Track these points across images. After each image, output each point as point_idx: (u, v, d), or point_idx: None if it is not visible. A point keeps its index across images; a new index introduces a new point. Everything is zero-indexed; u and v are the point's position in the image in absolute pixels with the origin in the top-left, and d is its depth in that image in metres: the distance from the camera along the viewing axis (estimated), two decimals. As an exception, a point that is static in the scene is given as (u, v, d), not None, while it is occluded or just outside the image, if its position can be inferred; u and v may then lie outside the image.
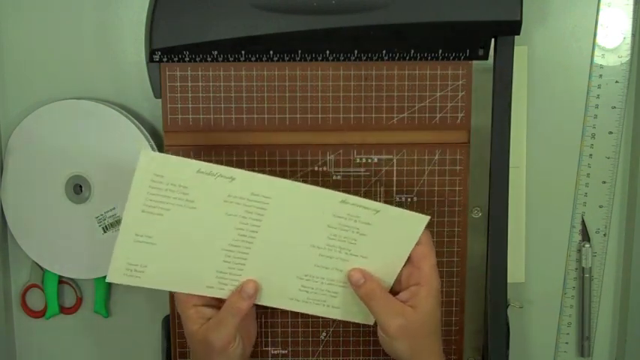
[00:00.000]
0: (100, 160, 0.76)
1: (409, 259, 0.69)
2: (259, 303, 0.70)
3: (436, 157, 0.75)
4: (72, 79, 0.79)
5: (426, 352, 0.70)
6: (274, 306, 0.71)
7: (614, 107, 0.80)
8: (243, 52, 0.72)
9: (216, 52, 0.72)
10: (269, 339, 0.78)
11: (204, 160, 0.74)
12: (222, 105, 0.74)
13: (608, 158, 0.81)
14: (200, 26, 0.70)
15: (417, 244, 0.69)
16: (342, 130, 0.75)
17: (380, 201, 0.75)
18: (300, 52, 0.72)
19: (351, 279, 0.69)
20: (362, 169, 0.75)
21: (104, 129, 0.76)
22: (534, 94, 0.80)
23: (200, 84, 0.74)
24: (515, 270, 0.82)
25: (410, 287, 0.69)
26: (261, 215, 0.66)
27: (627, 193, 0.82)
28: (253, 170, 0.74)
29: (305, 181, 0.75)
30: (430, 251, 0.69)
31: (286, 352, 0.78)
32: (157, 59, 0.72)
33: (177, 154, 0.74)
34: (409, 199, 0.76)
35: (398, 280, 0.70)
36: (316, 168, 0.75)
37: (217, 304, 0.70)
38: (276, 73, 0.74)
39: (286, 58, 0.73)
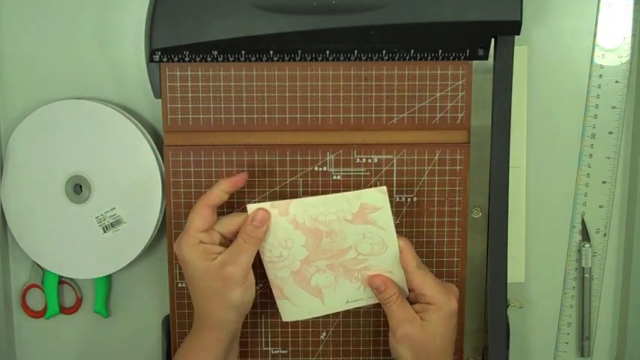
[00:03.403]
0: (100, 160, 0.76)
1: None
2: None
3: (436, 157, 0.75)
4: (72, 79, 0.79)
5: None
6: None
7: (614, 107, 0.80)
8: (243, 52, 0.72)
9: (216, 52, 0.72)
10: (269, 339, 0.78)
11: (204, 160, 0.75)
12: (222, 105, 0.74)
13: (608, 158, 0.81)
14: (200, 26, 0.70)
15: (406, 273, 0.70)
16: (342, 130, 0.75)
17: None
18: (300, 52, 0.72)
19: (372, 284, 0.71)
20: (362, 169, 0.75)
21: (104, 129, 0.76)
22: (534, 94, 0.80)
23: (200, 84, 0.74)
24: (515, 270, 0.82)
25: (422, 303, 0.71)
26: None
27: (627, 193, 0.82)
28: (253, 170, 0.75)
29: (305, 182, 0.75)
30: (423, 277, 0.70)
31: (286, 352, 0.78)
32: (157, 59, 0.72)
33: (177, 153, 0.75)
34: (409, 199, 0.76)
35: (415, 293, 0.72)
36: (316, 168, 0.75)
37: (224, 242, 0.70)
38: (276, 73, 0.74)
39: (286, 58, 0.73)
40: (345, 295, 0.73)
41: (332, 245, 0.71)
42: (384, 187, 0.69)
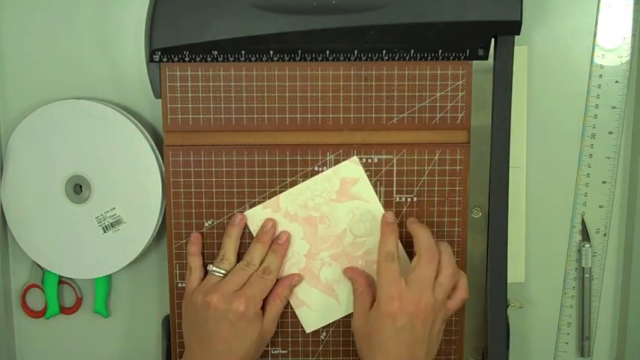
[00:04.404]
0: (100, 160, 0.76)
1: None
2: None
3: (436, 157, 0.75)
4: (72, 79, 0.79)
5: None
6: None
7: (614, 107, 0.80)
8: (243, 52, 0.72)
9: (216, 52, 0.72)
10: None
11: (204, 160, 0.75)
12: (222, 105, 0.74)
13: (608, 158, 0.81)
14: (200, 26, 0.70)
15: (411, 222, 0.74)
16: (342, 130, 0.75)
17: (380, 201, 0.75)
18: (300, 52, 0.72)
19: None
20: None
21: (104, 129, 0.76)
22: (534, 94, 0.80)
23: (200, 84, 0.74)
24: (515, 270, 0.82)
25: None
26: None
27: (627, 193, 0.82)
28: (253, 170, 0.75)
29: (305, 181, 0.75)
30: (419, 228, 0.73)
31: (286, 352, 0.78)
32: (157, 59, 0.72)
33: (177, 153, 0.75)
34: (409, 199, 0.76)
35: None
36: (316, 168, 0.75)
37: None
38: (276, 73, 0.74)
39: (286, 58, 0.73)
40: None
41: (328, 232, 0.74)
42: (356, 158, 0.74)
